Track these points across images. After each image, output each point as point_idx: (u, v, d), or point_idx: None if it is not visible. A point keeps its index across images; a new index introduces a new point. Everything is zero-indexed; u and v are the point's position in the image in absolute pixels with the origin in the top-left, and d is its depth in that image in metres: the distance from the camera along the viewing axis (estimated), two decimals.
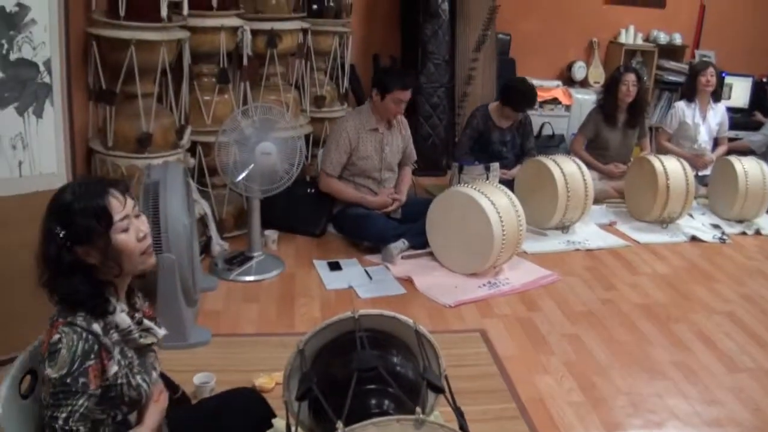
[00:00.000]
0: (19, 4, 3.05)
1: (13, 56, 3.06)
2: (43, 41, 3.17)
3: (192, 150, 4.64)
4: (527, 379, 3.41)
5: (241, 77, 4.87)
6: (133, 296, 2.11)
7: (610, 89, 6.06)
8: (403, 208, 4.99)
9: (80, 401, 1.79)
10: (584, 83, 7.58)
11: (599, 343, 3.78)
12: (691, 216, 5.77)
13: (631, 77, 5.91)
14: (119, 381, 1.90)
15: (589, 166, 5.62)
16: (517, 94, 5.63)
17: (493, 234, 4.26)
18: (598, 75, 7.54)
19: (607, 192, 5.99)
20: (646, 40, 7.65)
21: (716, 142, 6.52)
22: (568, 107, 7.24)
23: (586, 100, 7.09)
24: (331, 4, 5.53)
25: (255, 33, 4.80)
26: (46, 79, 3.21)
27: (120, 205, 1.91)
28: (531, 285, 4.45)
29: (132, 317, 2.00)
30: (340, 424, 1.73)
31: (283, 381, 2.23)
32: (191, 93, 4.61)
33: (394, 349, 2.18)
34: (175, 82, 4.45)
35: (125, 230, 1.92)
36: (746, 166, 5.64)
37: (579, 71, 7.52)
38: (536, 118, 7.03)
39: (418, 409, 1.76)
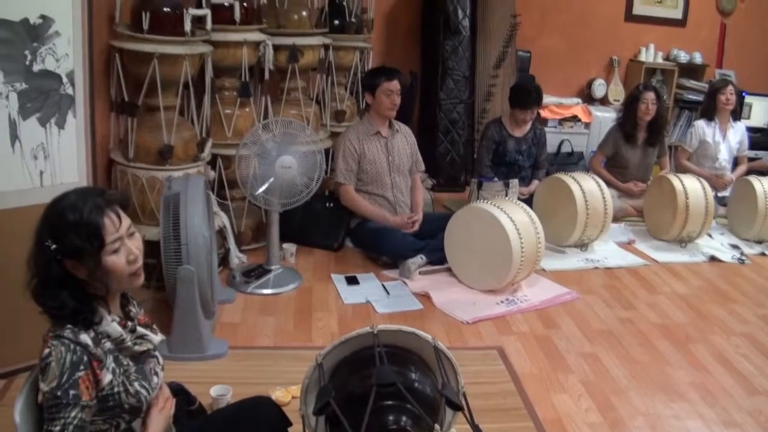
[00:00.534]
0: (42, 17, 3.08)
1: (36, 67, 3.09)
2: (66, 53, 3.20)
3: (212, 163, 4.66)
4: (545, 397, 3.39)
5: (262, 91, 4.91)
6: (128, 304, 2.10)
7: (629, 107, 6.05)
8: (421, 224, 4.98)
9: (72, 413, 1.78)
10: (604, 101, 7.56)
11: (617, 363, 3.75)
12: (710, 236, 5.74)
13: (650, 95, 5.89)
14: (116, 389, 1.89)
15: (608, 184, 5.60)
16: (522, 92, 5.70)
17: (512, 251, 4.25)
18: (618, 93, 7.52)
19: (626, 210, 5.97)
20: (666, 58, 7.64)
21: (736, 161, 6.48)
22: (587, 125, 7.23)
23: (605, 117, 7.09)
24: (353, 20, 5.56)
25: (277, 48, 4.83)
26: (69, 91, 3.24)
27: (113, 227, 1.89)
28: (549, 303, 4.43)
29: (125, 326, 1.99)
30: None
31: (300, 394, 2.22)
32: (213, 106, 4.63)
33: (413, 365, 2.17)
34: (197, 95, 4.47)
35: (116, 251, 1.90)
36: (766, 186, 5.60)
37: (599, 89, 7.51)
38: (555, 135, 7.06)
39: (437, 427, 1.76)
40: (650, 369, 3.72)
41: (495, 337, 3.98)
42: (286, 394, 3.15)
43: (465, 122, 6.65)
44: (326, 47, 5.27)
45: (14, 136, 3.05)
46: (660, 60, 7.58)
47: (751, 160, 6.65)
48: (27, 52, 3.05)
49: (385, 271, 4.72)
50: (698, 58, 7.61)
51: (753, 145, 6.70)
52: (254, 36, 4.63)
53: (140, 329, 2.05)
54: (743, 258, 5.40)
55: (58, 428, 1.78)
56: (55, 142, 3.22)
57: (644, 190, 5.93)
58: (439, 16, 6.49)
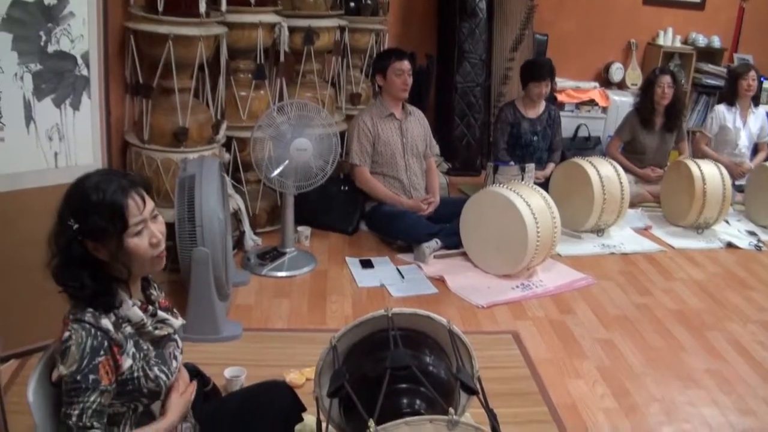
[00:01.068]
0: None
1: (51, 48, 3.08)
2: (81, 34, 3.19)
3: (227, 145, 4.66)
4: (559, 382, 3.38)
5: (277, 74, 4.88)
6: (149, 287, 2.10)
7: (645, 92, 5.99)
8: (436, 207, 4.97)
9: (92, 398, 1.79)
10: (621, 85, 7.49)
11: (633, 349, 3.73)
12: (727, 222, 5.69)
13: (666, 79, 5.83)
14: (135, 374, 1.89)
15: (625, 169, 5.55)
16: (534, 65, 5.73)
17: (527, 235, 4.22)
18: (635, 77, 7.45)
19: (642, 195, 5.93)
20: (685, 42, 7.55)
21: (756, 148, 6.42)
22: (604, 109, 7.17)
23: (623, 102, 7.02)
24: (368, 2, 5.52)
25: (292, 30, 4.81)
26: (84, 72, 3.23)
27: (137, 209, 1.89)
28: (565, 288, 4.42)
29: (145, 310, 1.99)
30: (371, 423, 1.72)
31: (314, 377, 2.23)
32: (227, 88, 4.62)
33: (427, 348, 2.17)
34: (212, 77, 4.46)
35: (138, 234, 1.89)
36: None
37: (616, 73, 7.44)
38: (572, 119, 7.00)
39: (451, 410, 1.75)
40: (666, 355, 3.70)
41: (510, 321, 3.96)
42: (300, 376, 3.16)
43: (481, 106, 6.61)
44: (342, 29, 5.24)
45: (29, 117, 3.05)
46: (678, 44, 7.50)
47: None
48: (42, 33, 3.03)
49: (400, 255, 4.71)
50: (717, 42, 7.52)
51: None
52: (269, 18, 4.61)
53: (161, 313, 2.04)
54: (760, 245, 5.35)
55: (76, 412, 1.78)
56: (70, 124, 3.22)
57: (661, 176, 5.88)
58: None
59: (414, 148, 5.01)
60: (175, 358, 2.06)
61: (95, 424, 1.80)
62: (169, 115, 4.15)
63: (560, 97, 7.02)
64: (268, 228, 4.94)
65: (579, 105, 7.12)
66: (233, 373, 3.05)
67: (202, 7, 4.05)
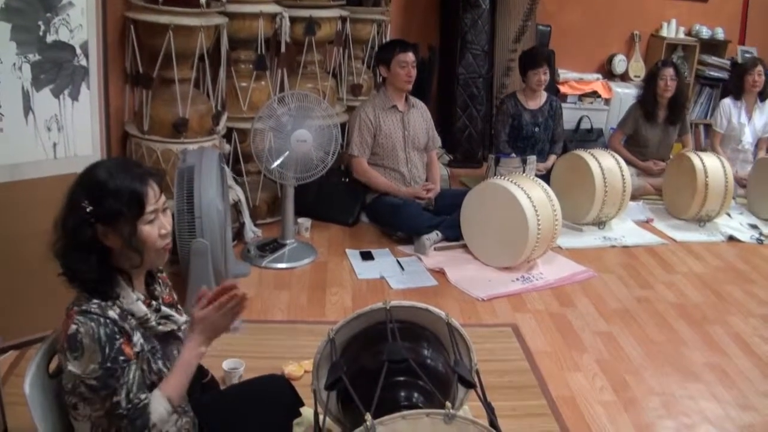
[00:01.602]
0: None
1: (49, 38, 3.06)
2: (80, 24, 3.17)
3: (227, 136, 4.65)
4: (558, 375, 3.37)
5: (278, 64, 4.87)
6: (153, 283, 2.10)
7: (648, 84, 5.97)
8: (437, 199, 4.97)
9: (131, 375, 1.81)
10: (624, 77, 7.47)
11: (633, 342, 3.73)
12: (728, 215, 5.68)
13: (669, 72, 5.81)
14: (140, 365, 1.89)
15: (628, 162, 5.53)
16: (529, 53, 5.73)
17: (528, 228, 4.21)
18: (638, 69, 7.43)
19: (644, 188, 5.91)
20: (688, 34, 7.51)
21: (758, 143, 6.38)
22: (607, 101, 7.15)
23: (626, 94, 7.00)
24: None
25: (293, 20, 4.79)
26: (83, 62, 3.22)
27: (154, 197, 1.91)
28: (565, 281, 4.41)
29: (149, 305, 1.99)
30: (368, 416, 1.72)
31: (312, 369, 2.22)
32: (228, 79, 4.61)
33: (425, 341, 2.16)
34: (213, 67, 4.45)
35: (151, 222, 1.90)
36: None
37: (619, 65, 7.41)
38: (575, 111, 6.98)
39: (448, 404, 1.74)
40: (666, 349, 3.69)
41: (509, 314, 3.95)
42: (299, 369, 3.15)
43: (483, 97, 6.59)
44: (343, 20, 5.22)
45: (27, 108, 3.03)
46: (682, 35, 7.46)
47: None
48: (40, 23, 3.02)
49: (400, 247, 4.71)
50: (720, 34, 7.48)
51: None
52: (270, 8, 4.59)
53: (165, 309, 2.05)
54: (762, 238, 5.34)
55: (123, 395, 1.80)
56: (69, 114, 3.20)
57: (664, 169, 5.87)
58: None
59: (416, 140, 4.99)
60: (179, 353, 2.05)
61: (143, 396, 1.83)
62: (169, 106, 4.14)
63: (563, 89, 7.00)
64: (269, 219, 4.93)
65: (582, 97, 7.10)
66: (232, 365, 3.04)
67: None
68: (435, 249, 4.63)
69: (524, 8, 6.64)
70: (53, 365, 1.95)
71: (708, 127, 7.05)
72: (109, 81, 3.41)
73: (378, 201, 4.92)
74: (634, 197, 5.56)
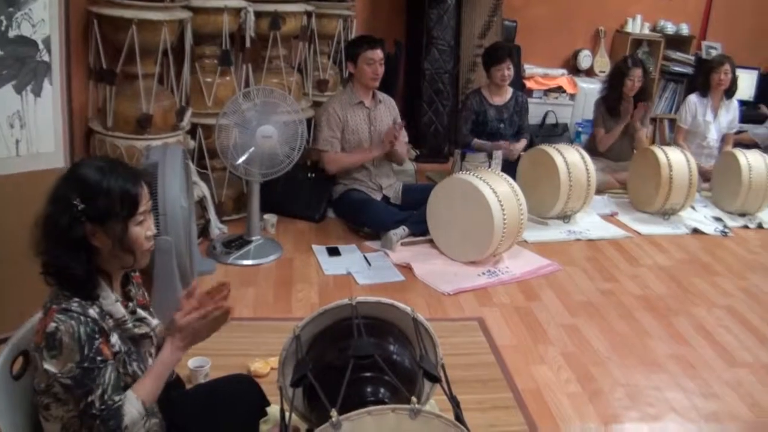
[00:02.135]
0: None
1: (11, 33, 3.03)
2: (42, 19, 3.14)
3: (192, 132, 4.62)
4: (524, 369, 3.39)
5: (243, 59, 4.84)
6: (128, 284, 2.09)
7: (614, 82, 5.99)
8: (403, 194, 4.97)
9: (107, 375, 1.80)
10: (590, 72, 7.52)
11: (598, 335, 3.76)
12: (693, 208, 5.74)
13: (638, 72, 5.83)
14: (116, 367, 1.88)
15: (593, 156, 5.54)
16: (492, 49, 5.73)
17: (493, 222, 4.23)
18: (603, 64, 7.48)
19: (609, 182, 5.96)
20: (653, 29, 7.59)
21: (724, 138, 6.43)
22: (572, 96, 7.20)
23: (591, 89, 7.06)
24: None
25: (258, 15, 4.76)
26: (45, 58, 3.19)
27: (145, 198, 1.92)
28: (531, 274, 4.43)
29: (126, 306, 1.98)
30: (333, 412, 1.71)
31: (278, 366, 2.21)
32: (192, 74, 4.57)
33: (391, 336, 2.16)
34: (177, 63, 4.41)
35: (140, 223, 1.91)
36: (750, 159, 5.60)
37: (585, 60, 7.46)
38: (540, 106, 7.04)
39: (414, 399, 1.74)
40: (631, 341, 3.72)
41: (476, 308, 3.97)
42: (265, 366, 3.14)
43: (449, 92, 6.61)
44: (309, 14, 5.20)
45: None
46: (647, 31, 7.53)
47: (736, 133, 6.61)
48: (2, 17, 2.98)
49: (367, 243, 4.70)
50: (685, 30, 7.56)
51: (739, 119, 6.67)
52: (235, 2, 4.56)
53: (140, 311, 2.05)
54: (726, 230, 5.41)
55: (98, 394, 1.78)
56: (31, 111, 3.17)
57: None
58: None
59: (382, 136, 4.98)
60: (151, 355, 2.06)
61: (116, 398, 1.81)
62: (133, 102, 4.11)
63: (528, 84, 7.04)
64: (235, 216, 4.91)
65: (547, 92, 7.16)
66: (197, 363, 3.02)
67: None
68: (401, 244, 4.63)
69: (490, 4, 6.66)
70: (17, 366, 1.92)
71: (673, 122, 7.14)
72: (72, 77, 3.39)
73: (345, 196, 4.91)
74: (598, 191, 5.59)
